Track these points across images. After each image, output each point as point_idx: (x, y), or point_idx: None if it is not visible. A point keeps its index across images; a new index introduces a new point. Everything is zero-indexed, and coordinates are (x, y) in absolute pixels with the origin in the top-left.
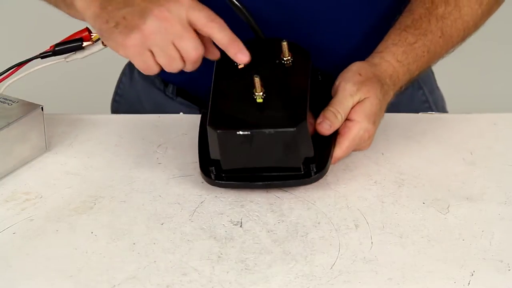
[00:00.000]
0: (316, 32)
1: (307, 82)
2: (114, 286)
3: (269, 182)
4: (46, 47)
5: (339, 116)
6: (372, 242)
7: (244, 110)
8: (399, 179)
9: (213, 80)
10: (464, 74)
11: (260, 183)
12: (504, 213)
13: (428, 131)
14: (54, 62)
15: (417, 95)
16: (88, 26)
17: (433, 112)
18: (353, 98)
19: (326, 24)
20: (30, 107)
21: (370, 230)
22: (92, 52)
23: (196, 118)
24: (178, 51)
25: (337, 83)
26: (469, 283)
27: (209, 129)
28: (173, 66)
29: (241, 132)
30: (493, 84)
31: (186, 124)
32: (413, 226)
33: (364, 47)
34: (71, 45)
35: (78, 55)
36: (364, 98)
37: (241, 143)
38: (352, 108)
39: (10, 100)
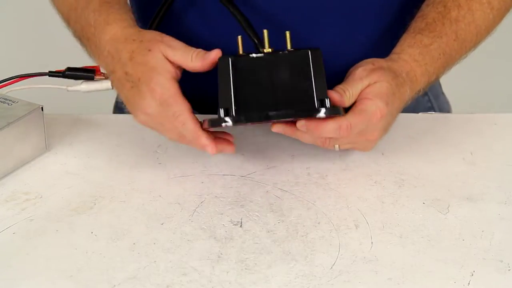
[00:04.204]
0: (319, 44)
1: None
2: (114, 286)
3: (282, 112)
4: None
5: (347, 93)
6: (372, 242)
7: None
8: (399, 179)
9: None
10: (464, 74)
11: (274, 112)
12: (504, 213)
13: (428, 131)
14: (56, 86)
15: (423, 101)
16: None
17: (433, 112)
18: (363, 81)
19: (330, 37)
20: (30, 107)
21: (370, 230)
22: (97, 88)
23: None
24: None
25: (349, 71)
26: (469, 283)
27: (221, 60)
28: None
29: (254, 55)
30: (493, 84)
31: None
32: (413, 226)
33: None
34: (83, 73)
35: (83, 86)
36: (374, 82)
37: (254, 70)
38: (362, 91)
39: (10, 100)
